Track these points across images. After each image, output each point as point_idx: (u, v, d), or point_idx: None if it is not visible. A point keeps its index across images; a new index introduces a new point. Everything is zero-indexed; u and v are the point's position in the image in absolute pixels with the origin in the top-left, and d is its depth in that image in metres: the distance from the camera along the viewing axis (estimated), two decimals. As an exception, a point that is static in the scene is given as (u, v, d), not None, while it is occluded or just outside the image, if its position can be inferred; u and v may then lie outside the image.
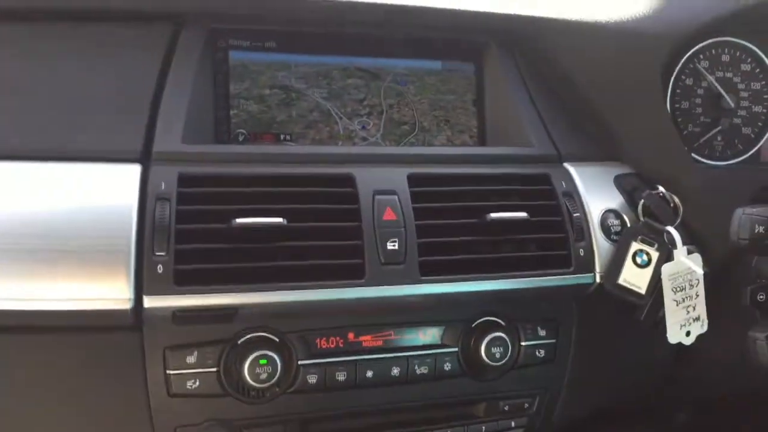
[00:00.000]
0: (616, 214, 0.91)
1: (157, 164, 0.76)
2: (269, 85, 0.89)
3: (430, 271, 0.80)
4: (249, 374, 0.76)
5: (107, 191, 0.73)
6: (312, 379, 0.80)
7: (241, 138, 0.88)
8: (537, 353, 0.90)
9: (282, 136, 0.89)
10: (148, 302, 0.71)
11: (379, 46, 0.94)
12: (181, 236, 0.73)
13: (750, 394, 1.10)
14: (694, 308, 0.90)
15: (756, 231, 0.76)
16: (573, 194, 0.90)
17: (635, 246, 0.89)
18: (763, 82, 1.04)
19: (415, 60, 0.95)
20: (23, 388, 0.76)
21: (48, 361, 0.75)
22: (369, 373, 0.82)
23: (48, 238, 0.70)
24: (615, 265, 0.88)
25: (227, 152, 0.81)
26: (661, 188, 0.92)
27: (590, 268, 0.87)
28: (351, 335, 0.82)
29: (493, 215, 0.83)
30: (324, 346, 0.81)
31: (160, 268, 0.71)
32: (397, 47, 0.95)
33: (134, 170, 0.75)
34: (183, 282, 0.72)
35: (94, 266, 0.70)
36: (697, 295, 0.90)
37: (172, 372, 0.76)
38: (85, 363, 0.75)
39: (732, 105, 1.02)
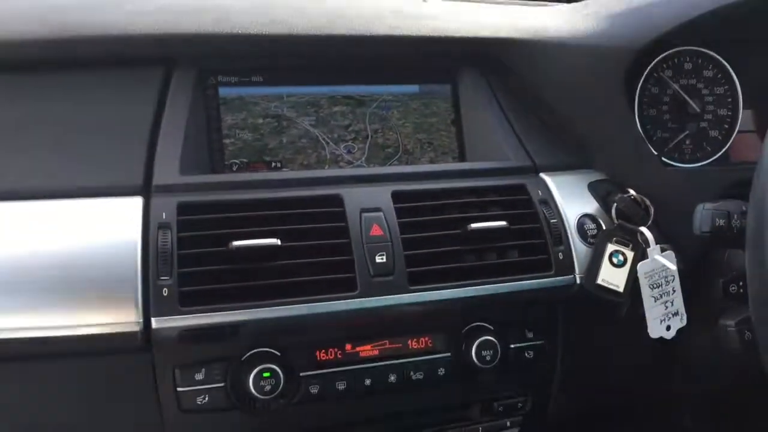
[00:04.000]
0: (592, 218, 0.97)
1: (158, 195, 0.82)
2: (263, 115, 0.95)
3: (418, 281, 0.86)
4: (254, 387, 0.80)
5: (112, 223, 0.79)
6: (314, 390, 0.85)
7: (234, 168, 0.94)
8: (526, 354, 0.95)
9: (273, 164, 0.95)
10: (156, 324, 0.76)
11: (358, 74, 1.00)
12: (184, 261, 0.78)
13: (738, 386, 1.14)
14: (672, 303, 0.95)
15: (716, 224, 0.81)
16: (549, 202, 0.95)
17: (611, 247, 0.94)
18: (726, 87, 1.10)
19: (393, 86, 1.01)
20: (39, 412, 0.80)
21: (63, 386, 0.80)
22: (367, 381, 0.87)
23: (60, 269, 0.76)
24: (593, 266, 0.93)
25: (222, 181, 0.87)
26: (632, 191, 0.97)
27: (570, 271, 0.93)
28: (348, 346, 0.87)
29: (474, 225, 0.89)
30: (323, 358, 0.86)
31: (165, 292, 0.77)
32: (376, 74, 1.01)
33: (136, 202, 0.81)
34: (187, 303, 0.77)
35: (103, 294, 0.76)
36: (674, 291, 0.95)
37: (182, 389, 0.81)
38: (99, 386, 0.80)
39: (698, 110, 1.07)
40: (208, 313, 0.78)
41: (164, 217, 0.80)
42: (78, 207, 0.80)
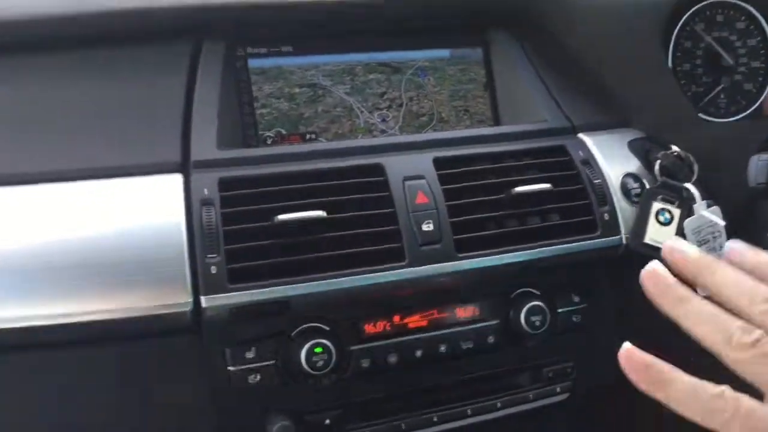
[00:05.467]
0: (635, 177, 0.95)
1: (197, 171, 0.80)
2: (299, 83, 0.93)
3: (465, 248, 0.84)
4: (306, 363, 0.78)
5: (154, 202, 0.77)
6: (365, 363, 0.83)
7: (269, 141, 0.91)
8: (573, 319, 0.93)
9: (307, 135, 0.93)
10: (206, 302, 0.74)
11: (389, 40, 0.98)
12: (230, 237, 0.76)
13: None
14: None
15: (772, 174, 0.80)
16: (591, 162, 0.93)
17: (657, 205, 0.92)
18: (759, 38, 1.07)
19: (425, 50, 0.98)
20: (88, 397, 0.78)
21: (112, 370, 0.78)
22: (418, 353, 0.85)
23: (104, 251, 0.73)
24: (639, 226, 0.91)
25: (262, 154, 0.85)
26: (675, 147, 0.95)
27: (616, 231, 0.91)
28: (397, 318, 0.85)
29: (519, 189, 0.87)
30: (372, 331, 0.84)
31: (213, 269, 0.74)
32: (406, 39, 0.98)
33: (176, 179, 0.79)
34: (237, 280, 0.75)
35: (150, 274, 0.73)
36: (721, 247, 0.93)
37: (233, 368, 0.79)
38: (149, 368, 0.78)
39: (731, 62, 1.05)
40: (258, 290, 0.75)
41: (206, 193, 0.78)
42: (117, 186, 0.77)
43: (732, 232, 0.94)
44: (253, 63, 0.91)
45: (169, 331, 0.76)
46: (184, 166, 0.80)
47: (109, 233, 0.74)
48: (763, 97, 1.08)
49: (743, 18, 1.07)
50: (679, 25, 1.03)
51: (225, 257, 0.75)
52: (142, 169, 0.79)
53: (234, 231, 0.77)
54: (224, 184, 0.79)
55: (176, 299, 0.74)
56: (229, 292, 0.75)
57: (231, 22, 0.89)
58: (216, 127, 0.84)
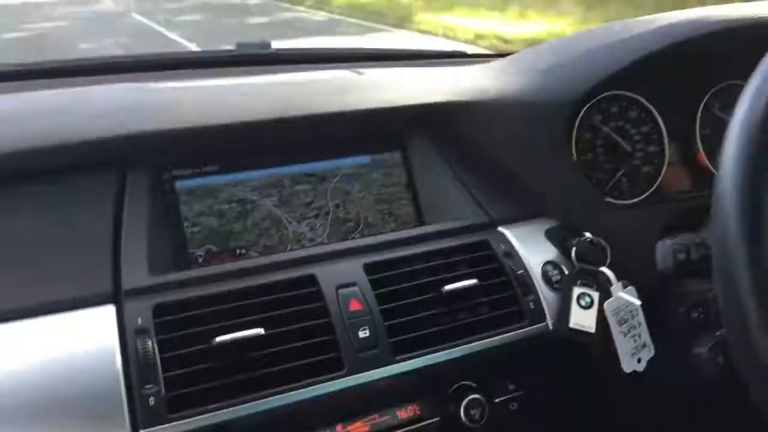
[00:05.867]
0: (554, 264, 1.00)
1: (130, 300, 0.80)
2: (228, 200, 0.95)
3: (401, 351, 0.86)
4: None
5: (87, 336, 0.76)
6: None
7: (200, 260, 0.92)
8: (510, 407, 0.96)
9: (237, 250, 0.94)
10: (146, 436, 0.73)
11: (309, 152, 1.01)
12: (168, 364, 0.76)
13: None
14: (639, 336, 0.98)
15: (678, 258, 0.86)
16: (513, 253, 0.98)
17: (577, 290, 0.97)
18: (651, 125, 1.17)
19: (346, 158, 1.02)
20: None
21: None
22: None
23: (38, 391, 0.72)
24: (563, 312, 0.96)
25: (194, 276, 0.85)
26: (587, 234, 1.01)
27: (542, 318, 0.95)
28: (339, 427, 0.86)
29: (448, 287, 0.90)
30: None
31: (151, 401, 0.74)
32: (326, 150, 1.02)
33: (109, 311, 0.78)
34: (176, 409, 0.74)
35: (87, 413, 0.72)
36: (639, 324, 0.99)
37: None
38: None
39: (629, 149, 1.14)
40: (199, 416, 0.75)
41: (140, 322, 0.78)
42: (47, 324, 0.76)
43: (648, 310, 1.00)
44: (181, 184, 0.92)
45: None
46: (116, 295, 0.80)
47: (42, 373, 0.73)
48: (661, 177, 1.16)
49: (635, 108, 1.16)
50: (579, 119, 1.11)
51: (164, 386, 0.75)
52: (73, 304, 0.78)
53: (171, 358, 0.76)
54: (158, 311, 0.79)
55: None
56: (169, 422, 0.74)
57: (154, 148, 0.91)
58: (146, 253, 0.84)
